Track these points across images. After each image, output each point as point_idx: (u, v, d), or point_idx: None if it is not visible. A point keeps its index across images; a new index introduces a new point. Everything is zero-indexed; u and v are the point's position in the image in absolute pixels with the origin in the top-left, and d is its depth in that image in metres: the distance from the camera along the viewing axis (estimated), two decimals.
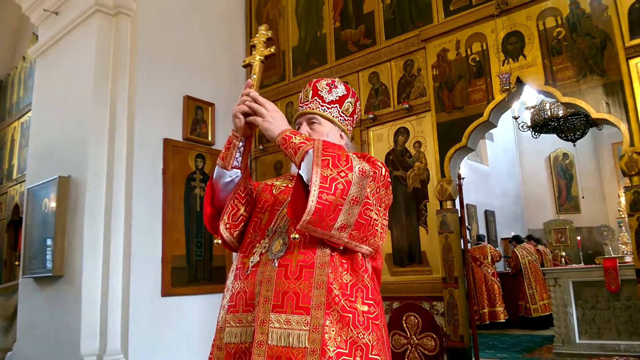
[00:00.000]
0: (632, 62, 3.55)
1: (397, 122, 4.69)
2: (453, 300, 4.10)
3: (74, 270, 4.42)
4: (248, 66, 1.86)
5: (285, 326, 1.55)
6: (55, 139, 5.00)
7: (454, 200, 4.31)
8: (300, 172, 1.60)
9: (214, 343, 1.75)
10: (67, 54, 5.12)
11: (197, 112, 5.20)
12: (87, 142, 4.53)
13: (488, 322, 8.82)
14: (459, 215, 4.31)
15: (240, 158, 1.80)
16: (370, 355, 1.55)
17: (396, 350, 4.33)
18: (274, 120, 1.66)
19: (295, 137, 1.63)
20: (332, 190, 1.50)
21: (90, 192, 4.45)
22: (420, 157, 4.50)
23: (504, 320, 8.88)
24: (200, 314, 4.85)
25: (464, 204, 4.48)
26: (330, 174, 1.51)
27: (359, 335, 1.55)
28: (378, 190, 1.64)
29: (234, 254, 1.92)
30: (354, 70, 5.03)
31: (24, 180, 5.97)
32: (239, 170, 1.81)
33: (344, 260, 1.66)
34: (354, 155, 1.63)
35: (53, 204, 4.64)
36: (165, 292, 4.62)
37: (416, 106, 4.57)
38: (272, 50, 1.82)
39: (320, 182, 1.50)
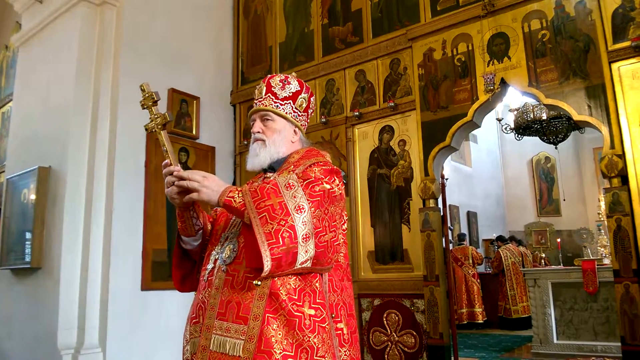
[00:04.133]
0: (615, 66, 3.60)
1: (382, 120, 4.71)
2: (433, 298, 4.12)
3: (52, 263, 4.36)
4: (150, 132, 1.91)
5: (225, 334, 1.61)
6: (36, 129, 4.92)
7: (436, 199, 4.34)
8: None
9: (182, 356, 1.79)
10: (50, 43, 5.04)
11: (181, 105, 5.16)
12: (68, 133, 4.47)
13: (466, 322, 8.89)
14: (441, 213, 4.34)
15: (199, 220, 1.86)
16: (315, 357, 1.59)
17: (376, 347, 4.35)
18: (207, 188, 1.65)
19: (235, 199, 1.62)
20: (281, 242, 1.53)
21: (70, 184, 4.39)
22: (405, 155, 4.52)
23: (482, 321, 8.96)
24: (179, 309, 4.80)
25: (447, 203, 4.51)
26: (272, 228, 1.54)
27: (305, 338, 1.59)
28: (326, 211, 1.67)
29: None
30: (340, 68, 5.04)
31: (4, 171, 5.86)
32: (201, 230, 1.89)
33: None
34: (288, 191, 1.62)
35: (32, 195, 4.56)
36: (145, 286, 4.58)
37: (401, 105, 4.59)
38: (167, 118, 1.85)
39: (267, 240, 1.53)
